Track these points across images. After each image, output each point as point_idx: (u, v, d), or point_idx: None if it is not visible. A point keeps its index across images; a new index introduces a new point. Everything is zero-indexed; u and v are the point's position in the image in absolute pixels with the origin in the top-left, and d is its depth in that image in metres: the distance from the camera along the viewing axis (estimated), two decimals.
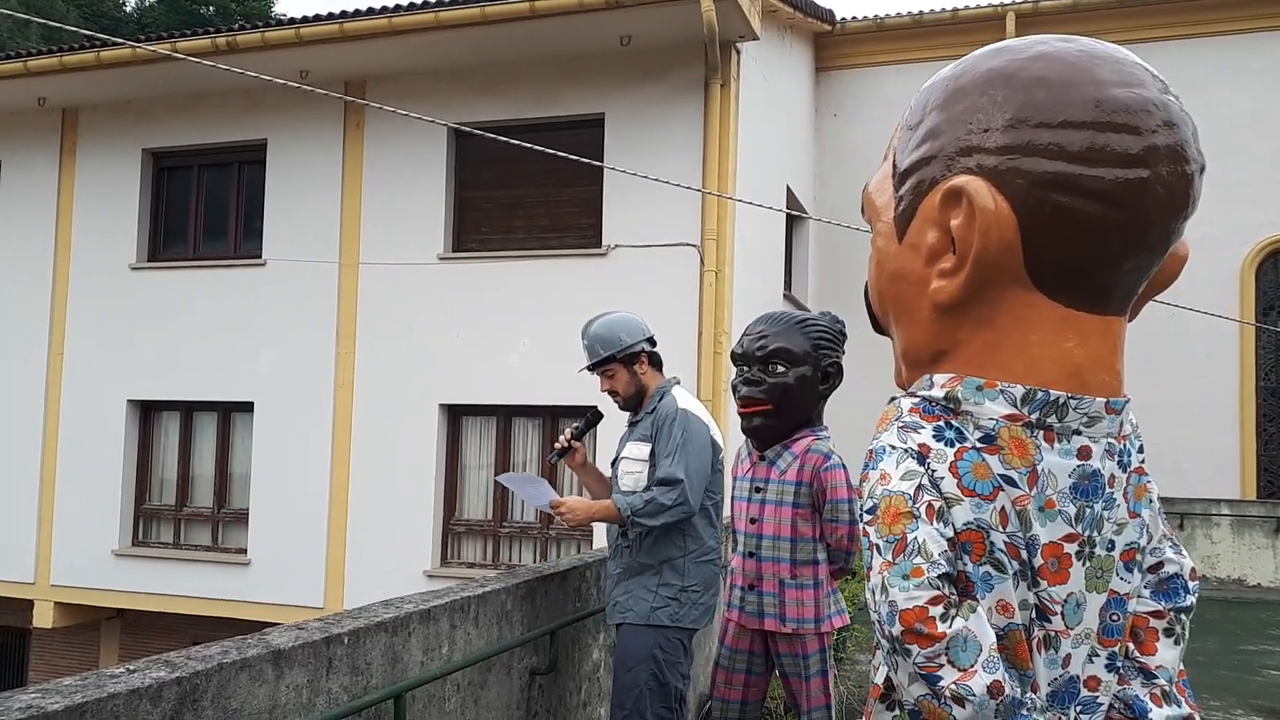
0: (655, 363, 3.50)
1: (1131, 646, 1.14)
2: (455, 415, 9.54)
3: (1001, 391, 1.01)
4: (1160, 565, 1.18)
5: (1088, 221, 0.97)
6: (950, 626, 0.94)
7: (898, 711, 1.07)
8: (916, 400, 1.06)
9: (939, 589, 0.95)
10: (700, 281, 8.48)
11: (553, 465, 3.66)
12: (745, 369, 3.31)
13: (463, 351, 9.21)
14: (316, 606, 9.39)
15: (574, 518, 3.24)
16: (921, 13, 12.73)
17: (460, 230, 9.59)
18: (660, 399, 3.39)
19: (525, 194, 9.37)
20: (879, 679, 1.10)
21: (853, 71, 12.89)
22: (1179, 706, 1.12)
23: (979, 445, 1.00)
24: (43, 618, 10.49)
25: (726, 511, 3.48)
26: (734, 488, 3.46)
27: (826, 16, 12.28)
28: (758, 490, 3.31)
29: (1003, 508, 0.99)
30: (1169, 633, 1.15)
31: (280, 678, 2.06)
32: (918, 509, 0.97)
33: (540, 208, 9.36)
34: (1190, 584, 1.18)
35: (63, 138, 10.86)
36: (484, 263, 9.34)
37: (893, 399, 1.10)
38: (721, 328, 8.37)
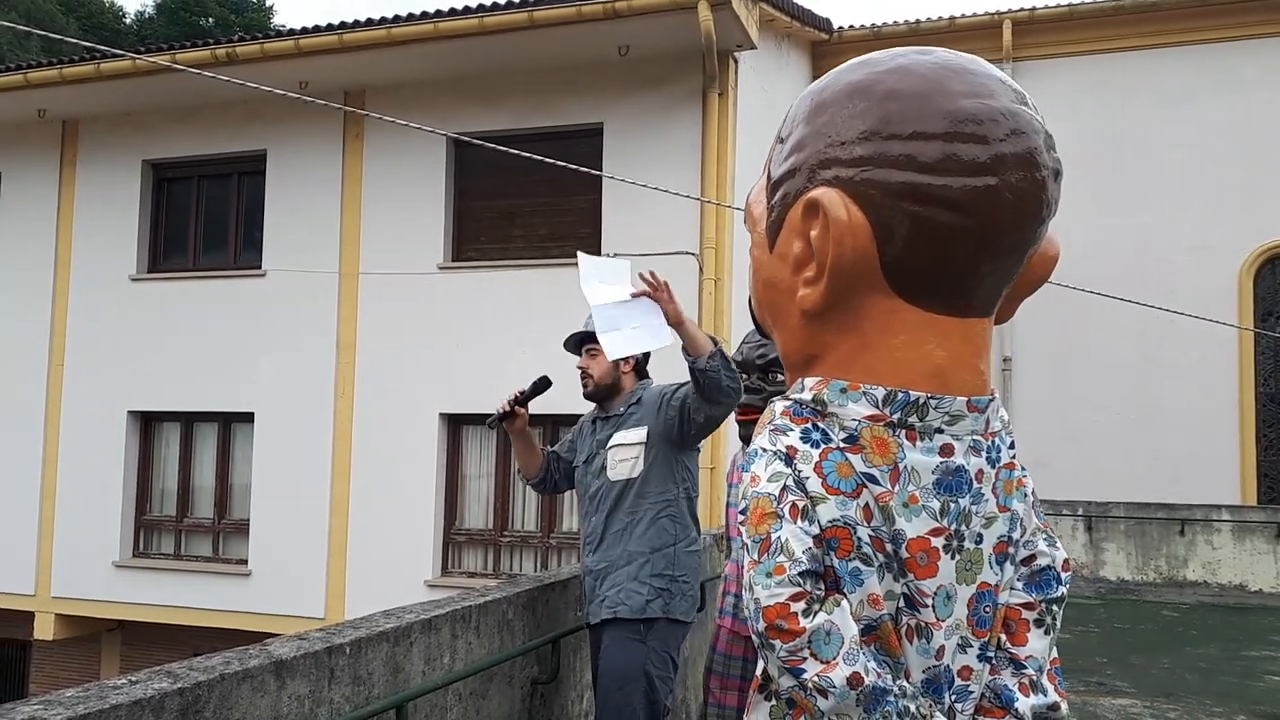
0: (639, 371, 3.46)
1: (1003, 637, 1.18)
2: (455, 424, 9.54)
3: (864, 393, 1.05)
4: (1033, 558, 1.21)
5: (940, 229, 1.01)
6: (812, 621, 0.99)
7: (775, 701, 1.12)
8: (788, 404, 1.11)
9: (800, 585, 0.99)
10: (699, 290, 8.49)
11: (491, 428, 3.50)
12: (744, 377, 3.33)
13: (463, 361, 9.22)
14: (317, 617, 9.37)
15: (674, 306, 3.02)
16: (919, 20, 12.79)
17: (460, 240, 9.61)
18: (644, 391, 3.38)
19: (524, 203, 9.40)
20: (759, 670, 1.15)
21: None
22: (1045, 695, 1.16)
23: (843, 445, 1.05)
24: (43, 630, 10.48)
25: (721, 519, 3.47)
26: (729, 494, 3.46)
27: (824, 25, 12.32)
28: None
29: (866, 504, 1.04)
30: (1039, 623, 1.19)
31: (282, 688, 2.06)
32: (782, 509, 1.02)
33: (539, 217, 9.38)
34: (1062, 575, 1.22)
35: (63, 149, 10.89)
36: (483, 272, 9.36)
37: (770, 402, 1.15)
38: (720, 336, 8.36)
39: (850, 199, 1.02)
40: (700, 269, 8.50)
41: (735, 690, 3.36)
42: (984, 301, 1.09)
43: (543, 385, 3.44)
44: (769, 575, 1.00)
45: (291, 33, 9.34)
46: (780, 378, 3.23)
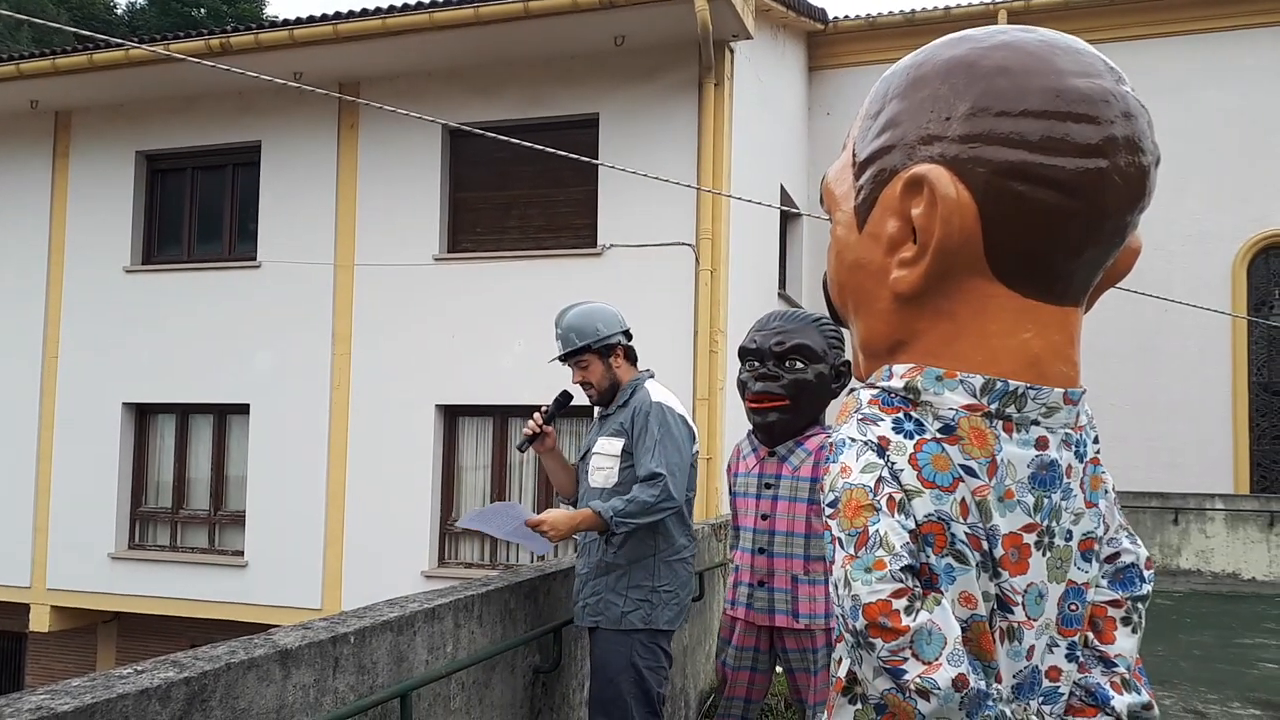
0: (630, 356, 3.43)
1: (1090, 635, 1.15)
2: (452, 416, 9.54)
3: (961, 382, 1.01)
4: (1117, 555, 1.19)
5: (1047, 211, 0.97)
6: (914, 620, 0.94)
7: (860, 705, 1.07)
8: (876, 392, 1.06)
9: (902, 581, 0.95)
10: (695, 280, 8.49)
11: (521, 451, 3.50)
12: (757, 364, 3.30)
13: (459, 352, 9.22)
14: (314, 608, 9.38)
15: (557, 534, 3.07)
16: (913, 11, 12.78)
17: (455, 231, 9.59)
18: (633, 393, 3.32)
19: (520, 194, 9.38)
20: (841, 672, 1.11)
21: (845, 70, 12.92)
22: (1138, 694, 1.13)
23: (939, 436, 1.01)
24: (39, 622, 10.47)
25: (724, 509, 3.46)
26: (735, 484, 3.44)
27: (819, 15, 12.31)
28: (768, 486, 3.28)
29: (963, 499, 0.99)
30: (1126, 621, 1.16)
31: (287, 677, 2.07)
32: (878, 501, 0.98)
33: (535, 208, 9.37)
34: (1146, 573, 1.20)
35: (56, 140, 10.83)
36: (479, 263, 9.35)
37: (852, 390, 1.11)
38: (717, 326, 8.38)
39: (956, 177, 0.98)
40: (696, 259, 8.50)
41: (745, 683, 3.37)
42: (1079, 289, 1.05)
43: (564, 401, 3.49)
44: (868, 570, 0.95)
45: (286, 23, 9.29)
46: (799, 364, 3.22)
